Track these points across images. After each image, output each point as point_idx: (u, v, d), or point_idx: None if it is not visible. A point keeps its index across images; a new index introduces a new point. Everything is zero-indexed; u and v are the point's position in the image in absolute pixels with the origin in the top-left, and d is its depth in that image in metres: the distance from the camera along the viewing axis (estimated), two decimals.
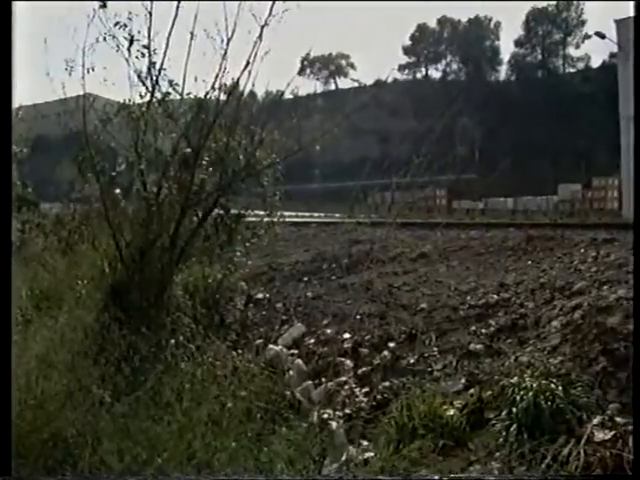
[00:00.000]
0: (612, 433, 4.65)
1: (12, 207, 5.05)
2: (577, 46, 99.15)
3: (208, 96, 8.52)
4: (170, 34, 8.22)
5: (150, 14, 8.04)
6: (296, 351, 7.62)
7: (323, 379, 6.81)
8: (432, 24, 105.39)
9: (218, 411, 5.55)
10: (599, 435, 4.67)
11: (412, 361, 6.62)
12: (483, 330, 6.74)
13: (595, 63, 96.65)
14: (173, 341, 7.07)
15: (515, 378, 5.43)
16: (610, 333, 5.70)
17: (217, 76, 8.34)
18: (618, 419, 4.80)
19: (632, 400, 4.68)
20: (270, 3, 8.17)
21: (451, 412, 5.37)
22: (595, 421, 4.83)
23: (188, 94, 8.69)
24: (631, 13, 5.64)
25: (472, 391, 5.70)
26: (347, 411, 6.12)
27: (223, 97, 8.73)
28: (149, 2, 8.00)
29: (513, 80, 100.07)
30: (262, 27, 8.18)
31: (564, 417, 4.85)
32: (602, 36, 39.37)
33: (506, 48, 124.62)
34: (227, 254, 9.30)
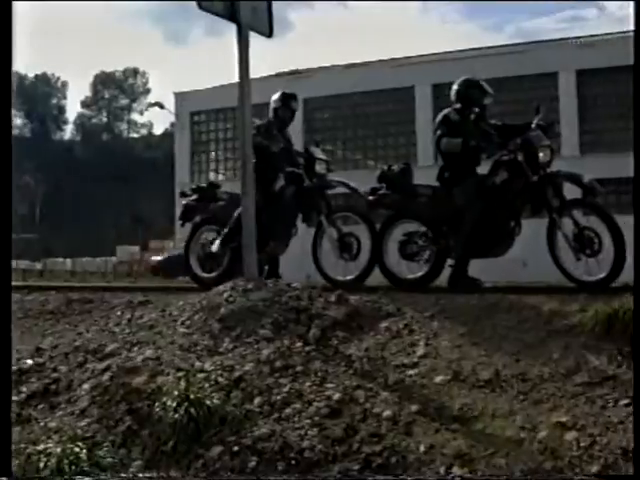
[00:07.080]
0: None
1: (12, 207, 4.68)
2: (142, 113, 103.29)
3: None
4: None
5: None
6: None
7: None
8: None
9: None
10: None
11: None
12: (15, 398, 6.56)
13: (158, 130, 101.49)
14: None
15: (41, 445, 5.39)
16: (135, 393, 5.92)
17: None
18: (140, 475, 5.04)
19: (632, 400, 4.88)
20: None
21: None
22: None
23: None
24: (631, 13, 6.11)
25: None
26: None
27: None
28: None
29: (78, 140, 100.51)
30: None
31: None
32: (161, 106, 41.58)
33: (73, 108, 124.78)
34: None
